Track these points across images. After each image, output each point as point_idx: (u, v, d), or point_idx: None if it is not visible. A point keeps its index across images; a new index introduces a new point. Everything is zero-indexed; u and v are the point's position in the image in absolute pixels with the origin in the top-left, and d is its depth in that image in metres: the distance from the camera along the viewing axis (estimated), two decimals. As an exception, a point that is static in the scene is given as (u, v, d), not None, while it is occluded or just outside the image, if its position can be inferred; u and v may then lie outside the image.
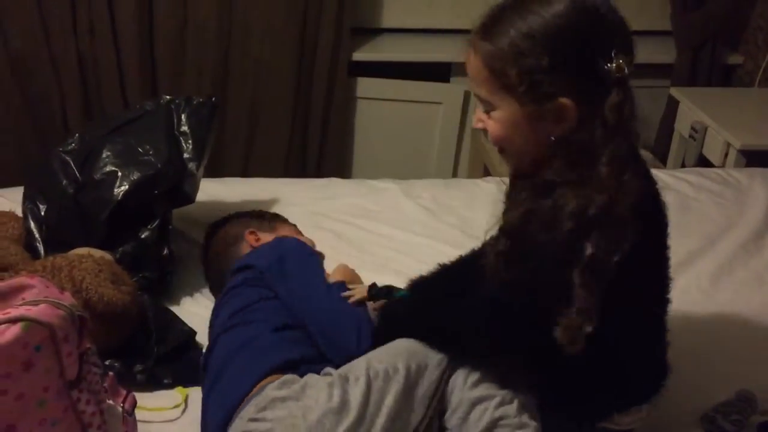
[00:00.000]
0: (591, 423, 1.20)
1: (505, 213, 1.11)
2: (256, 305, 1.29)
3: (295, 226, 1.71)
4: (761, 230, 1.91)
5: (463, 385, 1.15)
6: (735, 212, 1.98)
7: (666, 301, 1.19)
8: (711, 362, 1.48)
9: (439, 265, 1.34)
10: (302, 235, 1.67)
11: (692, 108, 2.54)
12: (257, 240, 1.56)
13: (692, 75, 2.84)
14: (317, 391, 1.11)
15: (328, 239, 1.83)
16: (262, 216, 1.68)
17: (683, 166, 2.60)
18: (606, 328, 1.02)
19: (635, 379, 1.17)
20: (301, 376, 1.17)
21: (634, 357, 1.15)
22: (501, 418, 1.12)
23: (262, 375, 1.16)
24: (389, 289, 1.32)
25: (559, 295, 1.00)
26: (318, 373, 1.18)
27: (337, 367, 1.19)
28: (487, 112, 1.07)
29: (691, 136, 2.52)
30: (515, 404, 1.13)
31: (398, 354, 1.16)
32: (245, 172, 2.74)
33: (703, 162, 2.48)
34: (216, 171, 2.63)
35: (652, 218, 1.09)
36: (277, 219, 1.70)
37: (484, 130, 1.10)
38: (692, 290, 1.70)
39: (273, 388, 1.13)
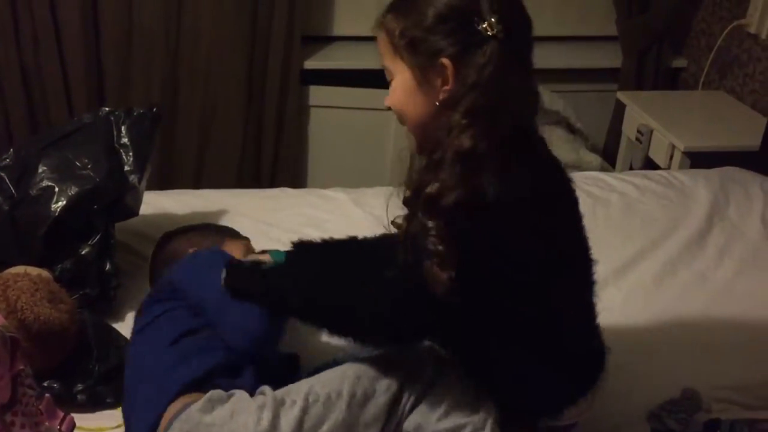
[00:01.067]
0: (545, 422, 1.20)
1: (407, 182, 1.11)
2: (158, 320, 1.25)
3: (247, 239, 1.68)
4: (703, 230, 1.95)
5: (433, 419, 1.13)
6: (679, 213, 2.02)
7: (592, 283, 1.19)
8: (656, 361, 1.50)
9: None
10: (254, 251, 1.64)
11: (638, 111, 2.58)
12: None
13: (638, 79, 2.89)
14: (246, 415, 1.08)
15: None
16: (209, 230, 1.63)
17: (631, 168, 2.64)
18: (543, 308, 1.06)
19: (578, 363, 1.18)
20: (218, 388, 1.13)
21: (573, 338, 1.17)
22: None
23: (168, 403, 1.12)
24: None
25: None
26: (237, 385, 1.15)
27: (254, 362, 1.16)
28: (390, 82, 1.09)
29: (637, 139, 2.56)
30: (488, 427, 1.12)
31: (345, 378, 1.13)
32: (197, 184, 2.71)
33: (650, 164, 2.53)
34: (167, 183, 2.60)
35: (551, 196, 1.08)
36: (227, 233, 1.64)
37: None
38: (637, 291, 1.73)
39: (198, 409, 1.09)
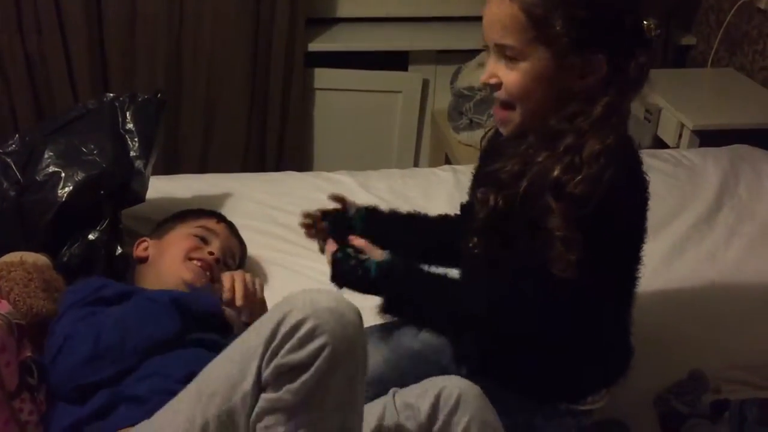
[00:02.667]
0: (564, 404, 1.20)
1: (504, 166, 1.08)
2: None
3: (215, 219, 1.55)
4: (713, 210, 1.93)
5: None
6: (688, 193, 2.00)
7: (636, 280, 1.20)
8: (663, 342, 1.49)
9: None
10: (214, 230, 1.51)
11: (646, 90, 2.55)
12: (145, 249, 1.49)
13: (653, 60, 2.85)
14: None
15: (284, 234, 1.82)
16: (170, 218, 1.57)
17: (639, 148, 2.61)
18: (589, 299, 1.06)
19: (613, 354, 1.19)
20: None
21: (619, 328, 1.18)
22: None
23: None
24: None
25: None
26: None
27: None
28: (511, 64, 1.04)
29: (645, 118, 2.54)
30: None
31: (196, 401, 0.96)
32: (203, 168, 2.70)
33: (659, 143, 2.50)
34: (173, 168, 2.60)
35: (633, 192, 1.10)
36: (181, 219, 1.54)
37: (494, 86, 1.08)
38: (645, 271, 1.68)
39: None
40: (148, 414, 1.04)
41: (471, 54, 2.72)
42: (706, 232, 1.85)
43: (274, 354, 0.90)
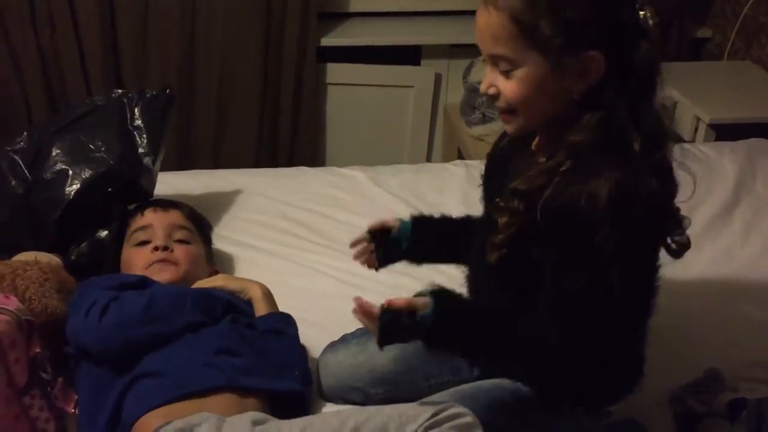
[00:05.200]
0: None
1: (522, 177, 1.05)
2: None
3: (139, 213, 1.50)
4: (730, 205, 1.90)
5: None
6: (704, 188, 1.96)
7: (656, 289, 1.15)
8: (679, 340, 1.47)
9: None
10: (150, 235, 1.45)
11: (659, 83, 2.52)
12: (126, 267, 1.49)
13: (661, 50, 2.81)
14: None
15: (295, 229, 1.82)
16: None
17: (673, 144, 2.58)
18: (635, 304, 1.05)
19: (630, 366, 1.16)
20: None
21: (636, 340, 1.14)
22: None
23: None
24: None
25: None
26: None
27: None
28: (506, 72, 1.02)
29: (661, 112, 2.50)
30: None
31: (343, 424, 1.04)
32: (216, 164, 2.70)
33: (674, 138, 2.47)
34: (186, 163, 2.60)
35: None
36: (123, 239, 1.50)
37: (493, 96, 1.05)
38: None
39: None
40: (167, 384, 1.12)
41: (484, 48, 2.69)
42: (723, 228, 1.82)
43: (434, 425, 1.02)
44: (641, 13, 0.98)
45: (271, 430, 1.07)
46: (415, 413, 1.04)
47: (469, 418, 1.02)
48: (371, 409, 1.09)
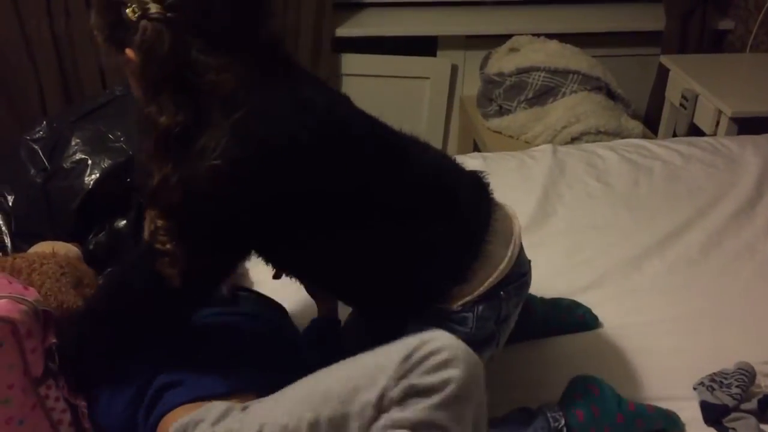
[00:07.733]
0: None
1: None
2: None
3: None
4: (753, 199, 1.87)
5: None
6: (726, 182, 1.95)
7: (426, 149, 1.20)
8: (701, 334, 1.46)
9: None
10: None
11: (682, 76, 2.49)
12: None
13: (682, 42, 2.78)
14: None
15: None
16: None
17: (675, 135, 2.56)
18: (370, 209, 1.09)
19: (449, 234, 1.14)
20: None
21: (432, 219, 1.14)
22: None
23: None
24: None
25: None
26: None
27: None
28: None
29: (681, 105, 2.47)
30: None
31: (306, 400, 0.96)
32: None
33: (695, 131, 2.44)
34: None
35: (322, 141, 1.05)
36: None
37: None
38: (682, 262, 1.67)
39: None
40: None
41: (501, 39, 2.66)
42: (745, 223, 1.80)
43: (406, 374, 0.92)
44: (128, 10, 1.01)
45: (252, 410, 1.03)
46: (378, 369, 0.94)
47: (445, 354, 0.92)
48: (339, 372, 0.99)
